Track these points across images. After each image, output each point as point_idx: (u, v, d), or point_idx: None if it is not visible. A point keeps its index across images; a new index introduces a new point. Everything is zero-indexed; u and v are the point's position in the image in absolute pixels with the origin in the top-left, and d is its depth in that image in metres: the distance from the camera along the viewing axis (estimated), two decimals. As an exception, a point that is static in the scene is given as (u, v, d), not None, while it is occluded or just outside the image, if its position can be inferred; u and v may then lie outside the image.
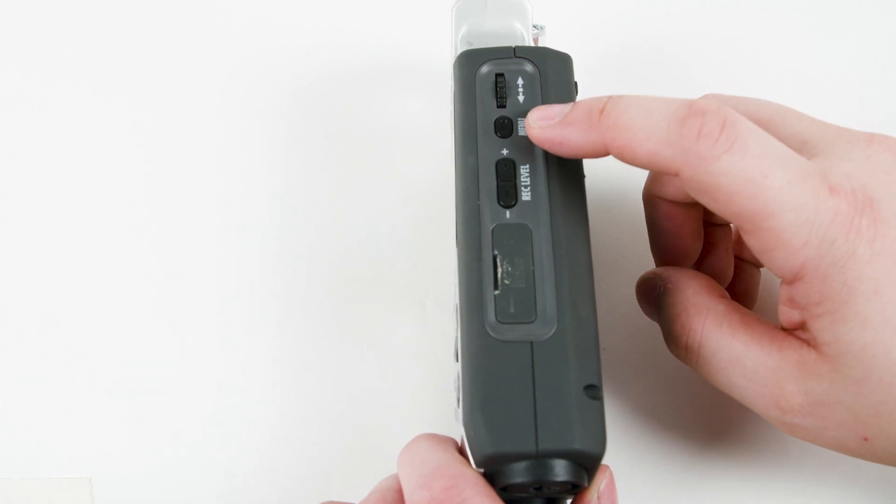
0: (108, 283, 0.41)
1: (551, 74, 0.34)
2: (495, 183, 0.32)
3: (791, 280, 0.30)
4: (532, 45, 0.37)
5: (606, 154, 0.31)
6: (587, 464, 0.28)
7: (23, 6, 0.47)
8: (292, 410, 0.38)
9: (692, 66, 0.45)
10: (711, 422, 0.38)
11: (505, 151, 0.32)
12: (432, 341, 0.39)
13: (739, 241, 0.38)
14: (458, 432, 0.30)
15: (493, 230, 0.31)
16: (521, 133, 0.33)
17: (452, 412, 0.31)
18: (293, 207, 0.42)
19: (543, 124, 0.32)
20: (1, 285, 0.41)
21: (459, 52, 0.35)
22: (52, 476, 0.38)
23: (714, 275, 0.36)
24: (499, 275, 0.30)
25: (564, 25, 0.41)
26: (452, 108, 0.34)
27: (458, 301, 0.30)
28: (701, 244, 0.36)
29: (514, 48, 0.34)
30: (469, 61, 0.34)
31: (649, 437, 0.37)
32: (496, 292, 0.30)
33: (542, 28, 0.37)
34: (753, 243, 0.30)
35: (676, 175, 0.30)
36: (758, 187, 0.28)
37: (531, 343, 0.29)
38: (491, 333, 0.29)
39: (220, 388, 0.39)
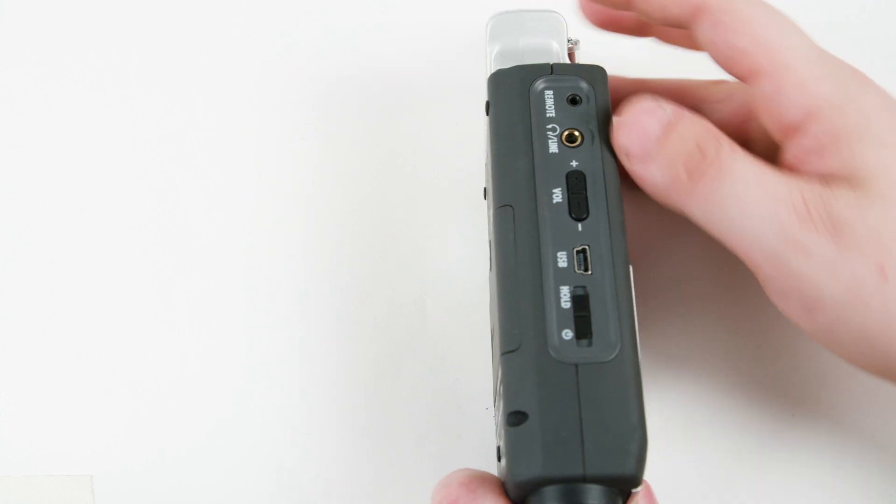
0: (110, 281, 0.41)
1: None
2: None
3: (800, 121, 0.31)
4: (567, 59, 0.37)
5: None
6: (623, 487, 0.28)
7: (23, 6, 0.47)
8: (292, 409, 0.39)
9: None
10: (727, 436, 0.38)
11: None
12: (432, 341, 0.39)
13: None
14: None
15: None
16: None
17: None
18: (293, 207, 0.43)
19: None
20: (2, 283, 0.41)
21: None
22: (53, 473, 0.38)
23: None
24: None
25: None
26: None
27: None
28: None
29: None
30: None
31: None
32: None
33: (576, 42, 0.38)
34: (764, 86, 0.31)
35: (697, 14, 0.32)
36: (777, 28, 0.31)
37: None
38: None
39: (220, 387, 0.39)
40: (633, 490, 0.28)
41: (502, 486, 0.29)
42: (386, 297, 0.40)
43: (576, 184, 0.32)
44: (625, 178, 0.33)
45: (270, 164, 0.43)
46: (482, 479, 0.29)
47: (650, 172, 0.32)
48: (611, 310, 0.30)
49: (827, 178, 0.31)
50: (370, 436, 0.38)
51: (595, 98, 0.33)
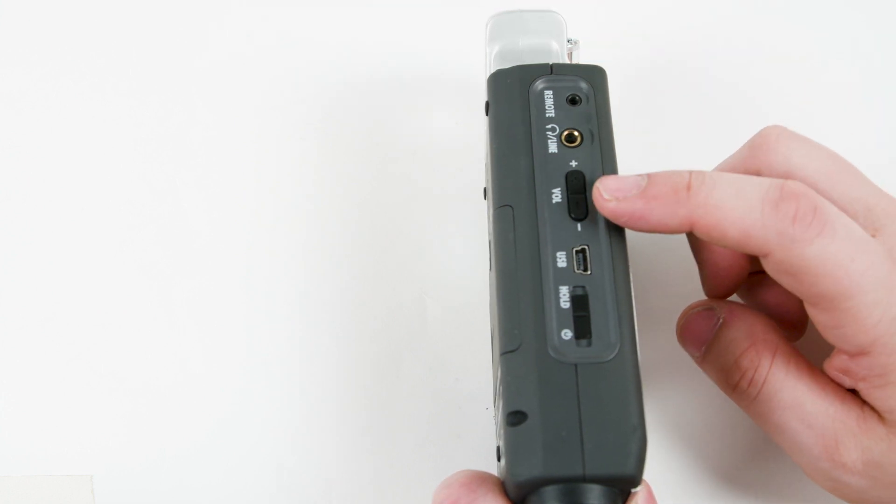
0: (110, 280, 0.41)
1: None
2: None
3: (855, 354, 0.31)
4: (567, 59, 0.37)
5: (687, 231, 0.31)
6: (623, 487, 0.28)
7: (23, 6, 0.47)
8: (292, 409, 0.39)
9: (719, 80, 0.45)
10: (730, 445, 0.38)
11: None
12: (432, 341, 0.39)
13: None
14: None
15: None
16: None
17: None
18: (293, 207, 0.43)
19: (620, 196, 0.31)
20: (2, 283, 0.41)
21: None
22: (53, 473, 0.38)
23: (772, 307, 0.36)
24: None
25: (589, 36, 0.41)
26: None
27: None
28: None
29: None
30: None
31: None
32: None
33: (576, 42, 0.38)
34: (823, 319, 0.31)
35: (765, 256, 0.30)
36: (844, 270, 0.29)
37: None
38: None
39: (221, 387, 0.39)
40: (633, 490, 0.28)
41: (502, 485, 0.29)
42: (386, 297, 0.40)
43: (575, 184, 0.32)
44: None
45: (270, 164, 0.43)
46: (482, 478, 0.30)
47: (706, 372, 0.35)
48: (610, 310, 0.30)
49: (863, 409, 0.32)
50: (370, 436, 0.38)
51: (594, 98, 0.33)
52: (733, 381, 0.34)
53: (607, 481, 0.28)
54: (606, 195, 0.31)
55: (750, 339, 0.33)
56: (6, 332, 0.40)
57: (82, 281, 0.41)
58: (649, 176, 0.31)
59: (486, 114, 0.35)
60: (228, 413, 0.39)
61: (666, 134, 0.44)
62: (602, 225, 0.31)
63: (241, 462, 0.38)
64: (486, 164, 0.38)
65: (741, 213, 0.30)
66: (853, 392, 0.32)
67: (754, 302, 0.36)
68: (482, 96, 0.36)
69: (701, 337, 0.35)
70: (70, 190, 0.43)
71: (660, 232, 0.31)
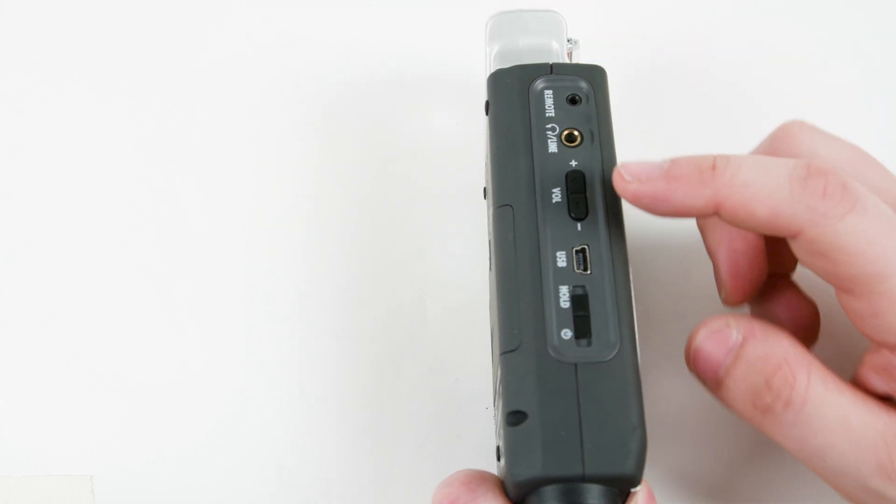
0: (110, 280, 0.41)
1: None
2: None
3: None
4: (567, 59, 0.37)
5: (712, 213, 0.30)
6: (623, 487, 0.28)
7: (23, 6, 0.47)
8: (292, 409, 0.39)
9: (719, 80, 0.45)
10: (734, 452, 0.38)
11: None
12: (432, 341, 0.39)
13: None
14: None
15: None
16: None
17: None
18: (293, 208, 0.42)
19: (643, 178, 0.30)
20: (2, 283, 0.41)
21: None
22: (53, 473, 0.38)
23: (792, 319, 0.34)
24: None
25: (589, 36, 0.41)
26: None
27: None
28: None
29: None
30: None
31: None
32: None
33: (576, 42, 0.38)
34: (860, 307, 0.29)
35: (795, 236, 0.29)
36: (881, 248, 0.28)
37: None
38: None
39: (221, 387, 0.39)
40: (633, 490, 0.28)
41: (502, 485, 0.29)
42: (386, 297, 0.40)
43: (575, 183, 0.32)
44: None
45: (270, 164, 0.44)
46: (482, 478, 0.29)
47: (725, 400, 0.31)
48: (610, 309, 0.30)
49: None
50: (370, 436, 0.38)
51: (595, 98, 0.33)
52: (764, 405, 0.30)
53: (607, 481, 0.28)
54: (629, 177, 0.30)
55: (780, 354, 0.30)
56: (6, 332, 0.40)
57: (82, 281, 0.41)
58: (672, 160, 0.30)
59: (486, 113, 0.35)
60: (228, 413, 0.39)
61: (666, 134, 0.44)
62: (602, 225, 0.31)
63: (241, 462, 0.38)
64: (485, 164, 0.38)
65: (769, 192, 0.29)
66: (888, 399, 0.30)
67: (763, 312, 0.35)
68: (482, 96, 0.36)
69: (718, 360, 0.31)
70: (70, 190, 0.43)
71: (684, 215, 0.30)
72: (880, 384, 0.30)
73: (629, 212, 0.32)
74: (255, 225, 0.42)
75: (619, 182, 0.30)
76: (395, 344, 0.39)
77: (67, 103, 0.45)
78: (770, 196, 0.29)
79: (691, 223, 0.36)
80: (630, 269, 0.31)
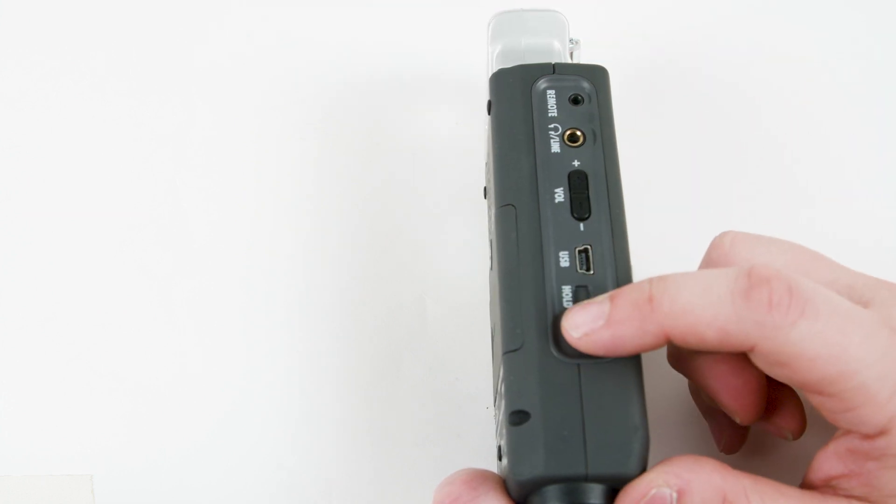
0: (110, 280, 0.41)
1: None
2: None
3: (874, 435, 0.28)
4: (568, 59, 0.37)
5: (667, 343, 0.29)
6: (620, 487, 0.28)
7: (23, 6, 0.47)
8: (292, 409, 0.39)
9: (719, 80, 0.45)
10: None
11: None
12: (432, 341, 0.39)
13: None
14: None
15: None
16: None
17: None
18: (293, 208, 0.42)
19: (588, 330, 0.28)
20: (2, 283, 0.41)
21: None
22: (53, 473, 0.38)
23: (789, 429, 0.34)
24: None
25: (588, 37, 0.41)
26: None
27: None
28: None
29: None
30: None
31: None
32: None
33: (577, 42, 0.38)
34: (833, 405, 0.28)
35: (751, 351, 0.28)
36: (840, 347, 0.27)
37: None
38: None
39: (221, 387, 0.39)
40: None
41: (504, 484, 0.29)
42: (386, 296, 0.40)
43: (578, 183, 0.32)
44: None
45: (270, 164, 0.44)
46: (484, 477, 0.29)
47: None
48: None
49: (857, 497, 0.29)
50: (370, 436, 0.38)
51: (597, 98, 0.33)
52: None
53: (609, 481, 0.28)
54: (575, 333, 0.29)
55: (717, 496, 0.28)
56: (6, 332, 0.40)
57: (82, 281, 0.41)
58: (611, 298, 0.29)
59: (489, 113, 0.35)
60: (228, 413, 0.39)
61: (666, 134, 0.44)
62: (605, 225, 0.31)
63: (241, 462, 0.38)
64: (486, 164, 0.38)
65: (713, 313, 0.27)
66: (829, 492, 0.29)
67: (709, 385, 0.32)
68: (483, 96, 0.36)
69: None
70: (70, 190, 0.43)
71: (639, 352, 0.29)
72: (836, 467, 0.29)
73: (632, 212, 0.32)
74: (254, 225, 0.42)
75: (569, 339, 0.29)
76: (395, 344, 0.39)
77: (67, 103, 0.45)
78: (715, 317, 0.28)
79: (694, 218, 0.36)
80: (632, 270, 0.31)
